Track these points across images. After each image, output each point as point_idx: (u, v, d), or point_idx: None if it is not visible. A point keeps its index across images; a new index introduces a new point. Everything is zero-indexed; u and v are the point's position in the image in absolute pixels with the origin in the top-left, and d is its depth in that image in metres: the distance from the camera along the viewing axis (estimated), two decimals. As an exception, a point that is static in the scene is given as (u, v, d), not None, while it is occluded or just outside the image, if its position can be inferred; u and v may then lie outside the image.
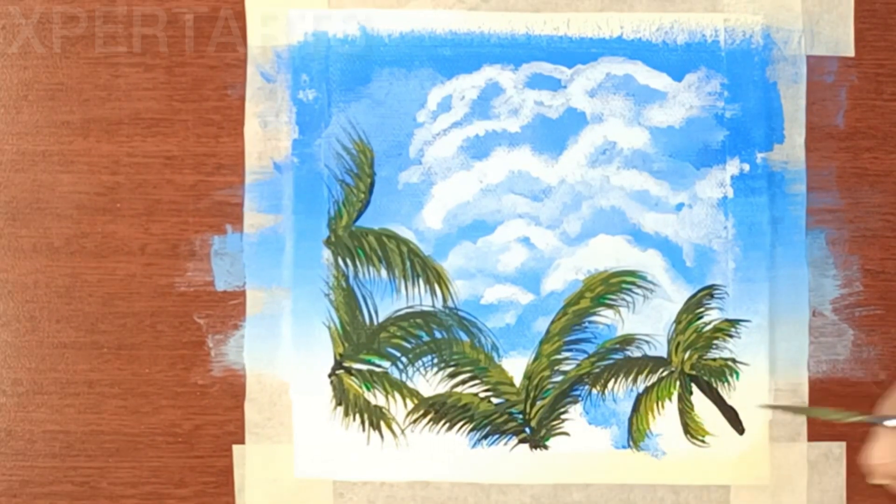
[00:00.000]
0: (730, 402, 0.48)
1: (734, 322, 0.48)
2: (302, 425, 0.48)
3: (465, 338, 0.48)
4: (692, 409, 0.48)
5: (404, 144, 0.48)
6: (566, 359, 0.48)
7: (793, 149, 0.48)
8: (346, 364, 0.48)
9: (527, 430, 0.48)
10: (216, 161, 0.48)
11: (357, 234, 0.48)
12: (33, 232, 0.48)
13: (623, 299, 0.48)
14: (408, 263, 0.48)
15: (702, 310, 0.48)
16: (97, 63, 0.48)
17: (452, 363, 0.48)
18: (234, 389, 0.48)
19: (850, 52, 0.49)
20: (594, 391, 0.48)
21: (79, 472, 0.48)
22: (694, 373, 0.48)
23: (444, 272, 0.48)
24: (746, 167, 0.48)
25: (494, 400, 0.48)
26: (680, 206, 0.48)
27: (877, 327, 0.49)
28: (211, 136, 0.48)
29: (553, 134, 0.48)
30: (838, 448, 0.48)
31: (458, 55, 0.48)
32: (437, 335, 0.48)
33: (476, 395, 0.48)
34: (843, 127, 0.49)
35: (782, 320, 0.48)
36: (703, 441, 0.48)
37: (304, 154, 0.48)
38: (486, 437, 0.48)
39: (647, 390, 0.48)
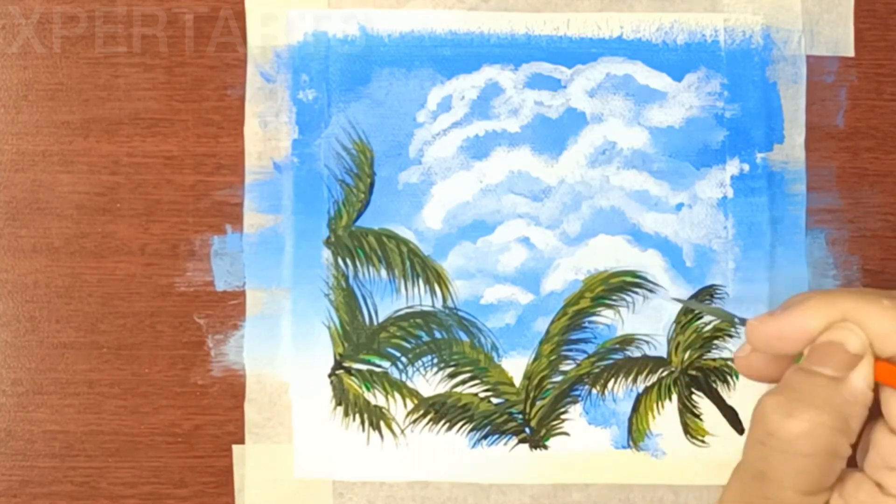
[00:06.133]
0: (730, 402, 0.48)
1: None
2: (302, 425, 0.48)
3: (464, 338, 0.48)
4: (692, 409, 0.48)
5: (404, 144, 0.48)
6: (566, 359, 0.48)
7: (793, 149, 0.48)
8: (345, 364, 0.48)
9: (527, 430, 0.48)
10: (216, 161, 0.48)
11: (357, 234, 0.48)
12: (33, 232, 0.48)
13: (623, 299, 0.48)
14: (408, 263, 0.48)
15: (702, 310, 0.48)
16: (97, 63, 0.48)
17: (452, 363, 0.48)
18: (233, 389, 0.48)
19: (850, 52, 0.49)
20: (594, 391, 0.48)
21: (78, 472, 0.48)
22: (694, 373, 0.48)
23: (443, 272, 0.48)
24: (746, 167, 0.48)
25: (494, 400, 0.48)
26: (680, 206, 0.48)
27: (877, 327, 0.48)
28: (211, 136, 0.48)
29: (553, 134, 0.48)
30: (838, 448, 0.48)
31: (457, 55, 0.48)
32: (437, 335, 0.48)
33: (476, 395, 0.48)
34: (843, 127, 0.49)
35: (782, 320, 0.48)
36: (703, 441, 0.48)
37: (304, 154, 0.48)
38: (485, 437, 0.48)
39: (647, 390, 0.48)
